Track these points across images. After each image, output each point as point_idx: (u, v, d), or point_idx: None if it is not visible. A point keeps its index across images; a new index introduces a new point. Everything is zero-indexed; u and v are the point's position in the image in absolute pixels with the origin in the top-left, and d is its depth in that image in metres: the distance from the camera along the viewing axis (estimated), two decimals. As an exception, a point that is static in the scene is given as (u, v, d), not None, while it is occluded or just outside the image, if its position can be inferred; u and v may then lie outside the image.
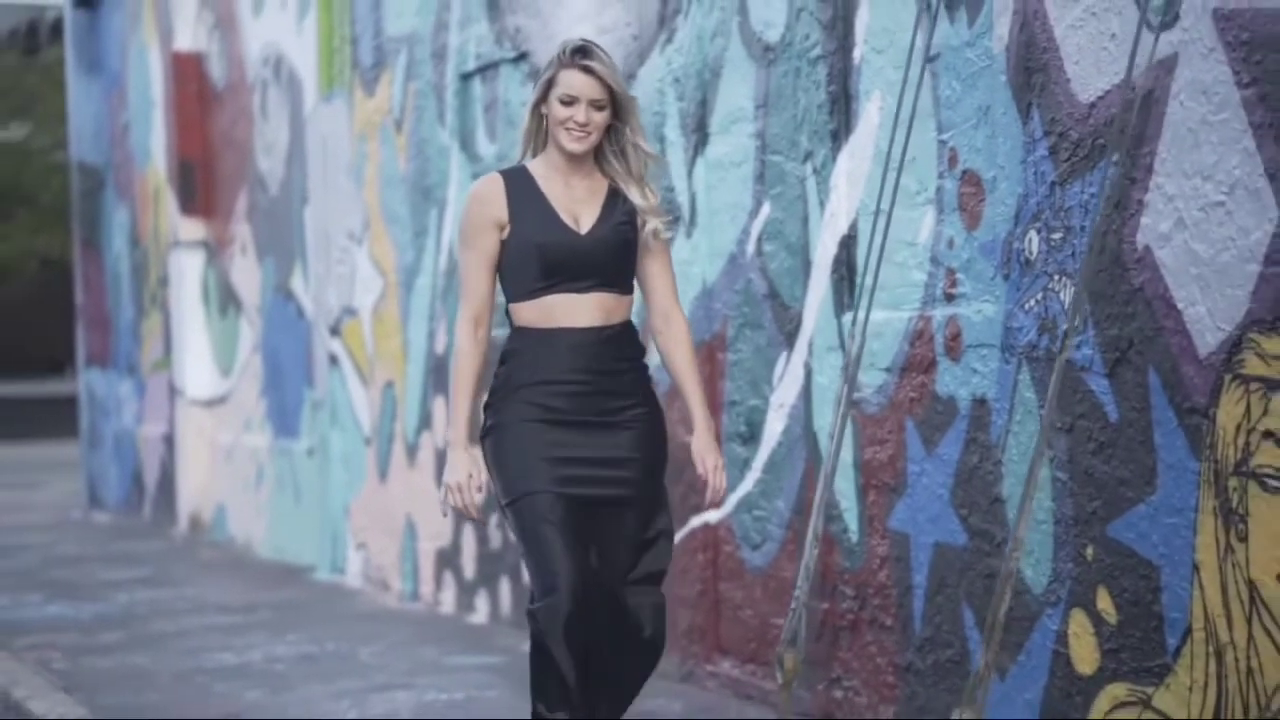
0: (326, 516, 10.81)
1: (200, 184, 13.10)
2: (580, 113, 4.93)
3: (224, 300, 12.87)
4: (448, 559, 9.25)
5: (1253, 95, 4.69)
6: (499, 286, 5.09)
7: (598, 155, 5.05)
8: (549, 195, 4.99)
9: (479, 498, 5.00)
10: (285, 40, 11.48)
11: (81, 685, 7.62)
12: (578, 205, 5.01)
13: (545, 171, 5.02)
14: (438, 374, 9.32)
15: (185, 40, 13.32)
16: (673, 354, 5.14)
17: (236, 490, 12.49)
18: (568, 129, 4.94)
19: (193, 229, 13.19)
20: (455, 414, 5.02)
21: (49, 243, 29.67)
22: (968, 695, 4.90)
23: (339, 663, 7.95)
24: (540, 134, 5.05)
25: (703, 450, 5.09)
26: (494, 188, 5.00)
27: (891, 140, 5.89)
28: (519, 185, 5.00)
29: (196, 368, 13.22)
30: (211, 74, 13.00)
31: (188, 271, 13.31)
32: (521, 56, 8.49)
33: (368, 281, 10.23)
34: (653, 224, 5.04)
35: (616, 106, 4.99)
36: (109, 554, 12.35)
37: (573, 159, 5.00)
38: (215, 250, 13.03)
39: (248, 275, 12.33)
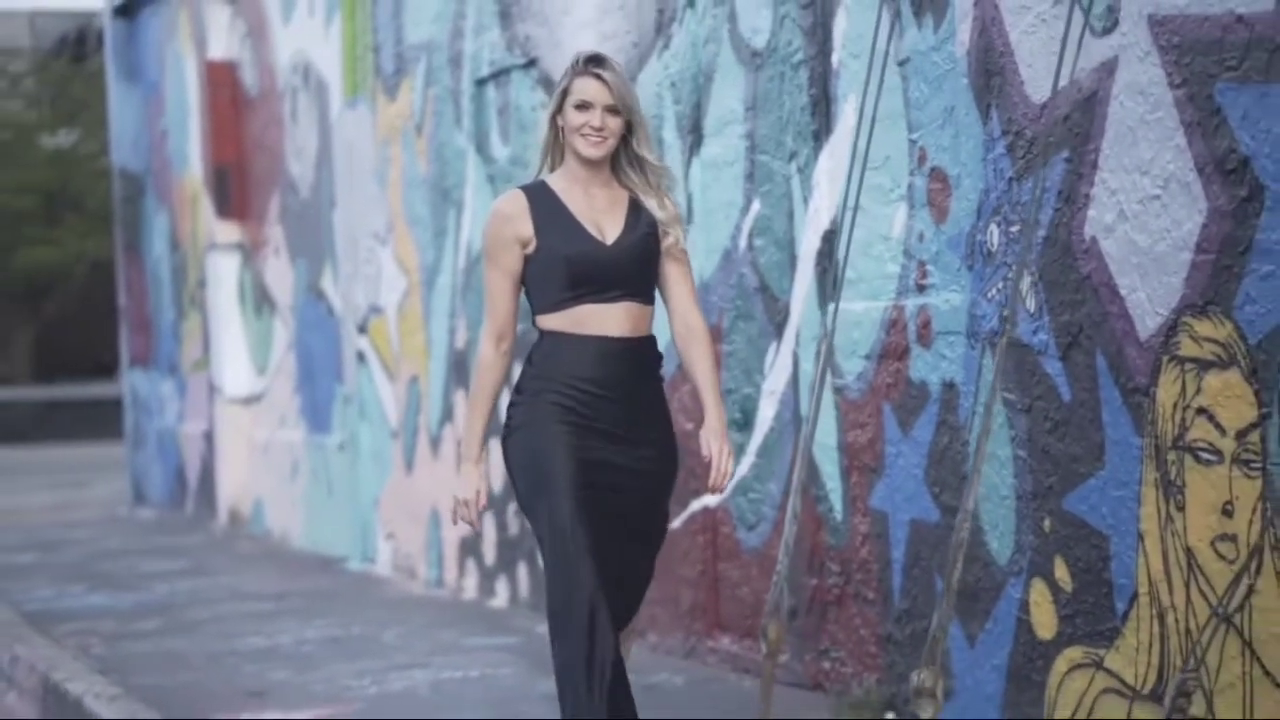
0: (357, 508, 11.21)
1: (235, 188, 13.50)
2: (595, 117, 4.97)
3: (259, 301, 13.29)
4: (470, 547, 9.63)
5: (1183, 95, 5.03)
6: (524, 299, 5.15)
7: (615, 167, 5.09)
8: (571, 208, 5.02)
9: (482, 514, 5.15)
10: (313, 48, 11.88)
11: (118, 667, 8.03)
12: (601, 216, 5.04)
13: (565, 184, 5.05)
14: (459, 369, 9.70)
15: (219, 49, 13.72)
16: (694, 360, 5.15)
17: (273, 484, 12.91)
18: (584, 134, 4.99)
19: (228, 232, 13.61)
20: (470, 428, 5.09)
21: (97, 247, 30.15)
22: (926, 657, 5.25)
23: (363, 644, 8.34)
24: (558, 146, 5.09)
25: (710, 435, 5.08)
26: (516, 204, 5.04)
27: (855, 140, 6.24)
28: (541, 200, 5.03)
29: (234, 367, 13.65)
30: (244, 81, 13.41)
31: (224, 273, 13.73)
32: (531, 63, 8.86)
33: (392, 281, 10.62)
34: (674, 234, 5.09)
35: (628, 117, 5.04)
36: (151, 547, 12.78)
37: (591, 169, 5.04)
38: (250, 252, 13.45)
39: (281, 276, 12.74)
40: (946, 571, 5.27)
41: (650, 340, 5.08)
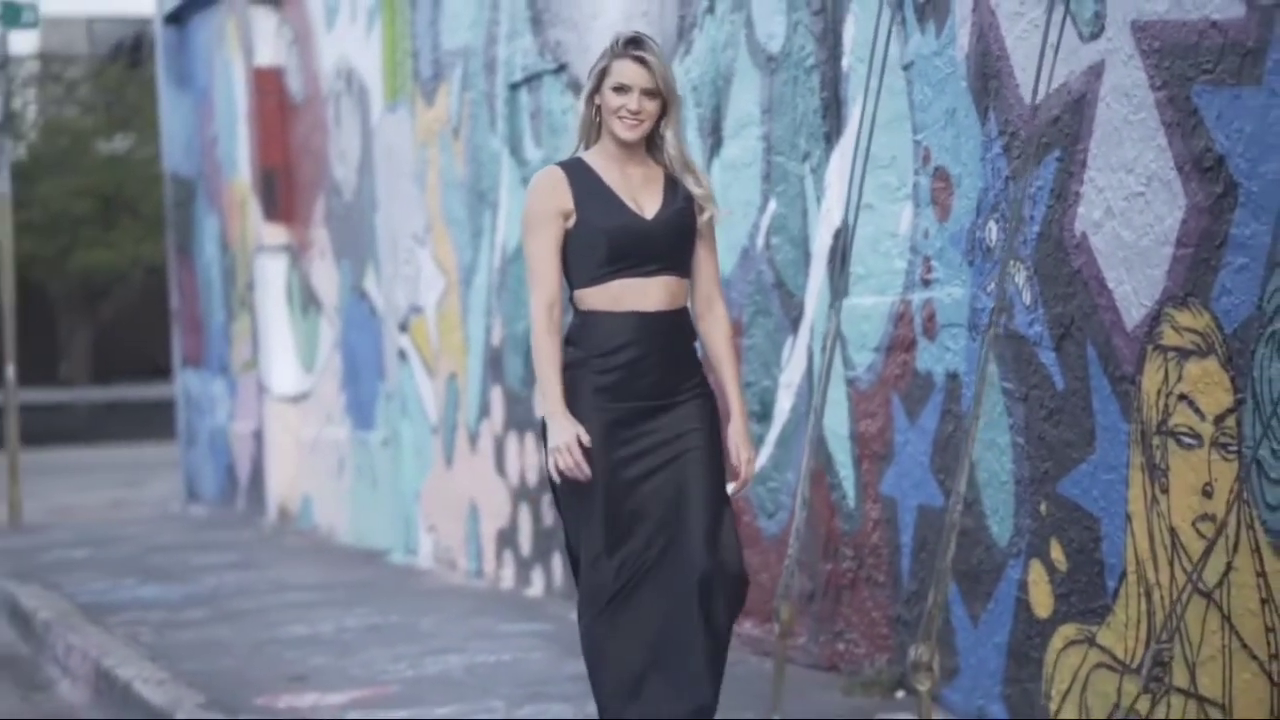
0: (399, 502, 11.53)
1: (282, 192, 13.83)
2: (633, 100, 5.03)
3: (306, 301, 13.62)
4: (507, 538, 9.93)
5: (1164, 97, 5.28)
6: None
7: (650, 145, 5.15)
8: (609, 183, 5.09)
9: (586, 457, 5.02)
10: (355, 54, 12.19)
11: (166, 654, 8.35)
12: (638, 191, 5.10)
13: (602, 162, 5.12)
14: (494, 365, 10.00)
15: (266, 55, 14.05)
16: (713, 339, 5.25)
17: (320, 481, 13.23)
18: (621, 117, 5.05)
19: (276, 234, 13.94)
20: (547, 387, 5.05)
21: (153, 251, 30.56)
22: (922, 634, 5.51)
23: (401, 632, 8.64)
24: (595, 125, 5.15)
25: (738, 442, 5.20)
26: (556, 178, 5.11)
27: (857, 141, 6.50)
28: (579, 175, 5.10)
29: (282, 366, 13.99)
30: (290, 87, 13.74)
31: (272, 275, 14.06)
32: (561, 68, 9.15)
33: (431, 280, 10.93)
34: (709, 211, 5.16)
35: (665, 99, 5.09)
36: (201, 542, 13.13)
37: (626, 147, 5.09)
38: (297, 254, 13.78)
39: (326, 277, 13.06)
40: (939, 552, 5.53)
41: (685, 311, 5.16)
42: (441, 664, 7.76)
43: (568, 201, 5.07)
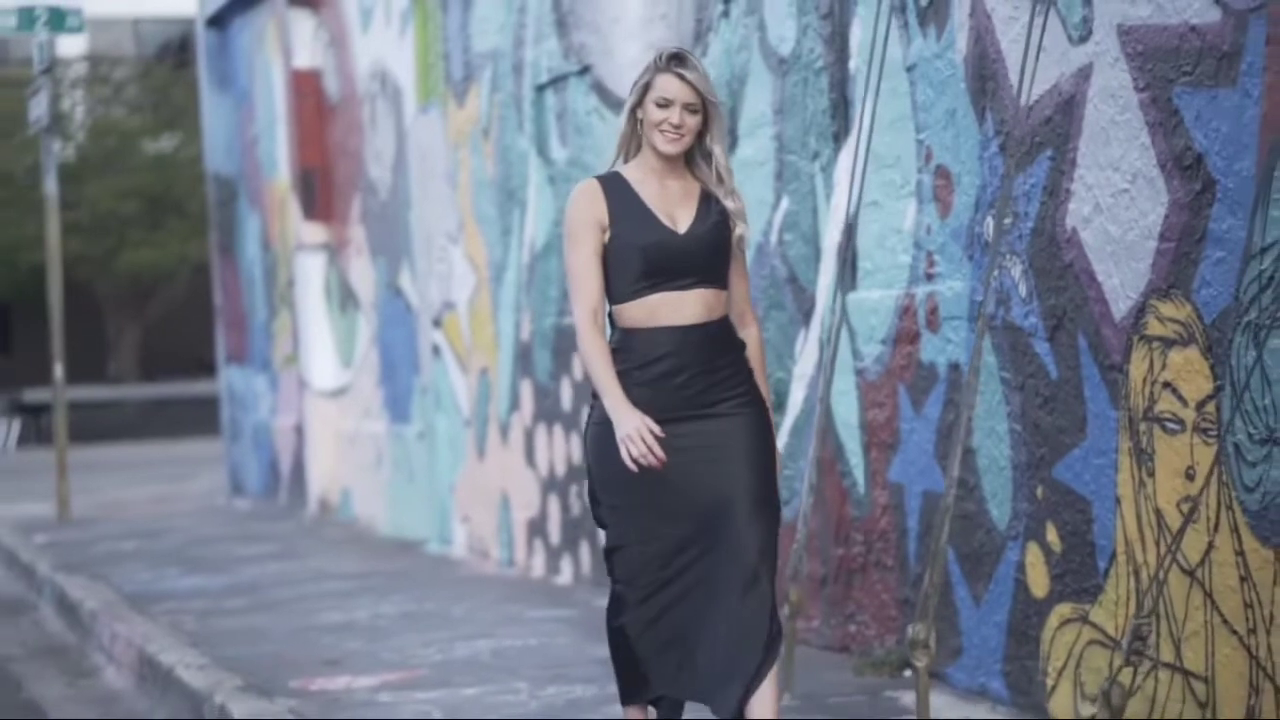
0: (435, 494, 11.83)
1: (320, 191, 14.14)
2: (675, 115, 5.09)
3: (344, 298, 13.93)
4: (537, 528, 10.21)
5: (1147, 98, 5.52)
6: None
7: (688, 160, 5.22)
8: (645, 198, 5.15)
9: (659, 436, 5.03)
10: (389, 56, 12.49)
11: (206, 641, 8.65)
12: (673, 206, 5.16)
13: (640, 175, 5.18)
14: (524, 360, 10.28)
15: (304, 58, 14.35)
16: (748, 355, 5.28)
17: (359, 473, 13.54)
18: (662, 131, 5.11)
19: (314, 233, 14.26)
20: (604, 383, 5.07)
21: (199, 249, 30.94)
22: (919, 612, 5.76)
23: (433, 618, 8.93)
24: (635, 138, 5.22)
25: None
26: (593, 191, 5.18)
27: (856, 141, 6.76)
28: (616, 189, 5.17)
29: (321, 362, 14.30)
30: (328, 89, 14.04)
31: (312, 272, 14.38)
32: (585, 70, 9.42)
33: (463, 277, 11.22)
34: (740, 229, 5.22)
35: (705, 113, 5.17)
36: (244, 534, 13.45)
37: (666, 161, 5.16)
38: (335, 252, 14.09)
39: (363, 274, 13.37)
40: (933, 534, 5.78)
41: (724, 322, 5.20)
42: (470, 648, 8.04)
43: (604, 214, 5.15)
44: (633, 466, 5.00)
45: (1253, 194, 5.13)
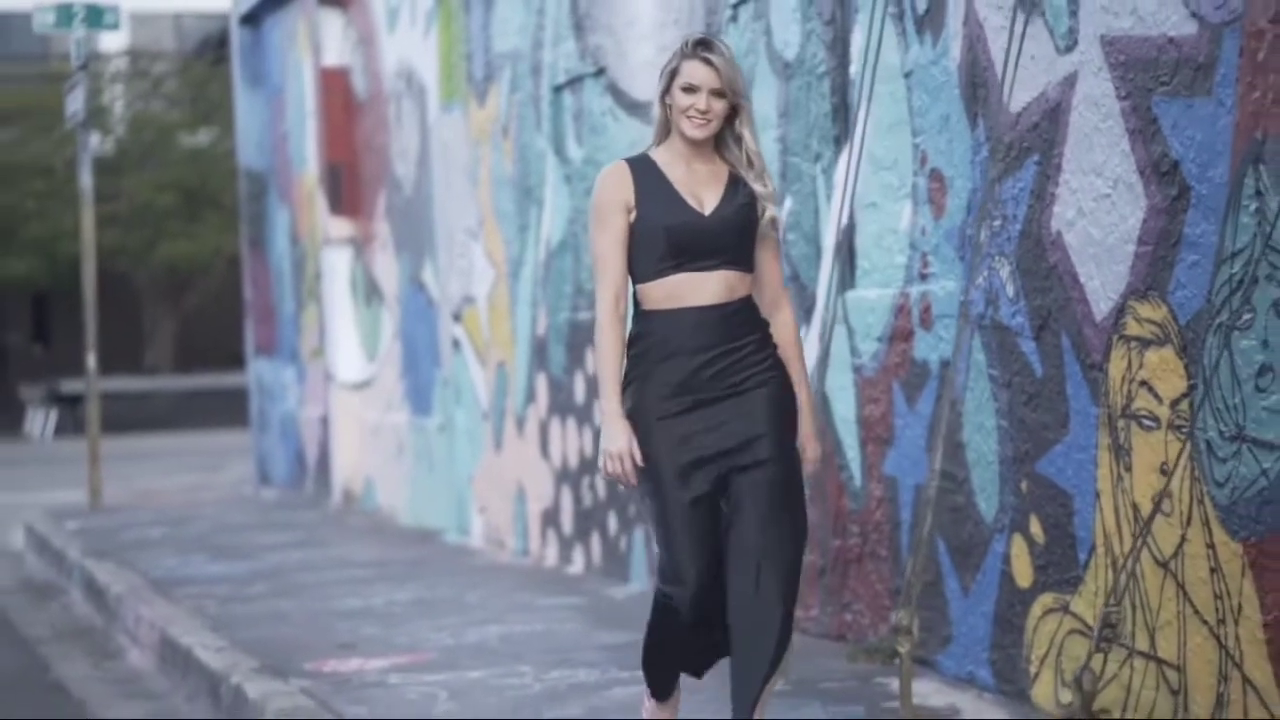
0: (454, 485, 12.06)
1: (347, 187, 14.38)
2: (701, 100, 5.17)
3: (369, 292, 14.17)
4: (550, 518, 10.44)
5: (1128, 106, 5.71)
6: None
7: (718, 143, 5.29)
8: (672, 179, 5.23)
9: (639, 465, 5.19)
10: (414, 55, 12.73)
11: (227, 624, 8.90)
12: (700, 188, 5.24)
13: (668, 158, 5.27)
14: (540, 354, 10.51)
15: (333, 56, 14.60)
16: (781, 340, 5.35)
17: (382, 464, 13.78)
18: (689, 116, 5.19)
19: (341, 228, 14.51)
20: (606, 386, 5.21)
21: (235, 243, 31.23)
22: (903, 599, 5.96)
23: (446, 605, 9.16)
24: (666, 123, 5.29)
25: (806, 439, 5.36)
26: (621, 173, 5.27)
27: (850, 143, 6.96)
28: (643, 171, 5.25)
29: (346, 354, 14.56)
30: (355, 86, 14.29)
31: (338, 267, 14.63)
32: (600, 71, 9.63)
33: (482, 273, 11.46)
34: (770, 212, 5.28)
35: (733, 100, 5.24)
36: (269, 522, 13.71)
37: (694, 145, 5.24)
38: (361, 246, 14.34)
39: (387, 269, 13.62)
40: (915, 525, 5.98)
41: (747, 302, 5.26)
42: (480, 634, 8.27)
43: (630, 196, 5.23)
44: (603, 475, 5.20)
45: (1225, 200, 5.32)
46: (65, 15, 15.65)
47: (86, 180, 15.88)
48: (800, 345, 5.43)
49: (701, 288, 5.20)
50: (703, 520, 5.19)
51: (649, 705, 5.54)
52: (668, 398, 5.19)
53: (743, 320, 5.26)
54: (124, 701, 8.34)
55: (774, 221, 5.32)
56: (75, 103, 15.87)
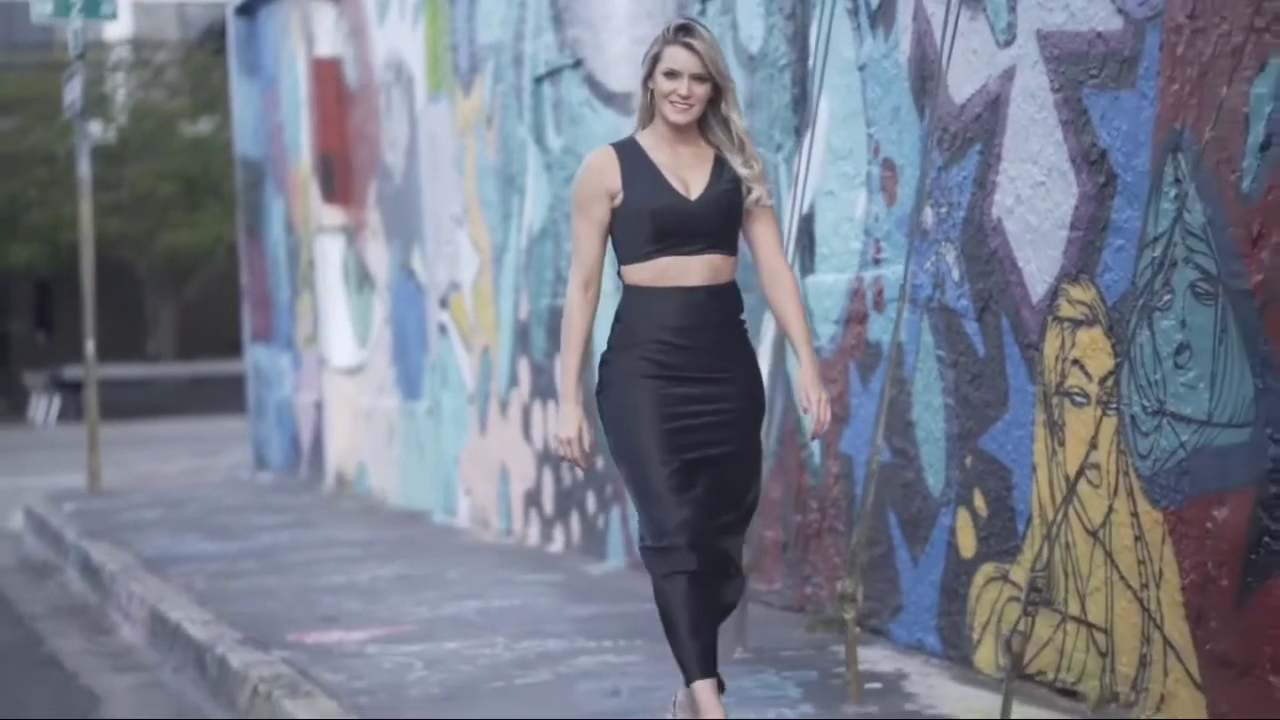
0: (441, 467, 12.37)
1: (339, 175, 14.67)
2: (683, 86, 5.23)
3: (360, 279, 14.47)
4: (532, 499, 10.74)
5: (1061, 98, 6.00)
6: (610, 250, 5.41)
7: (702, 126, 5.34)
8: (658, 163, 5.29)
9: (588, 451, 5.39)
10: (403, 47, 13.02)
11: (215, 600, 9.21)
12: (686, 171, 5.30)
13: (654, 142, 5.33)
14: (522, 339, 10.81)
15: (325, 46, 14.89)
16: (784, 306, 5.44)
17: (374, 448, 14.09)
18: (671, 101, 5.25)
19: (333, 216, 14.80)
20: (566, 371, 5.34)
21: (234, 231, 31.50)
22: (848, 568, 6.26)
23: (428, 581, 9.47)
24: (650, 107, 5.35)
25: (808, 384, 5.39)
26: (606, 158, 5.34)
27: (810, 132, 7.26)
28: (630, 155, 5.32)
29: (339, 340, 14.87)
30: (347, 76, 14.58)
31: (331, 254, 14.93)
32: (578, 63, 9.93)
33: (468, 260, 11.76)
34: (757, 192, 5.36)
35: (716, 82, 5.30)
36: (263, 505, 14.03)
37: (678, 129, 5.30)
38: (353, 234, 14.64)
39: (378, 256, 13.92)
40: (861, 497, 6.28)
41: (731, 286, 5.36)
42: (458, 607, 8.57)
43: (615, 181, 5.30)
44: (560, 460, 5.34)
45: (1148, 187, 5.61)
46: (63, 5, 15.90)
47: (85, 169, 16.15)
48: (802, 308, 5.51)
49: (686, 270, 5.29)
50: (680, 477, 5.28)
51: (680, 701, 5.48)
52: (651, 371, 5.29)
53: (725, 303, 5.37)
54: (114, 673, 8.64)
55: (760, 199, 5.39)
56: (73, 92, 16.14)
